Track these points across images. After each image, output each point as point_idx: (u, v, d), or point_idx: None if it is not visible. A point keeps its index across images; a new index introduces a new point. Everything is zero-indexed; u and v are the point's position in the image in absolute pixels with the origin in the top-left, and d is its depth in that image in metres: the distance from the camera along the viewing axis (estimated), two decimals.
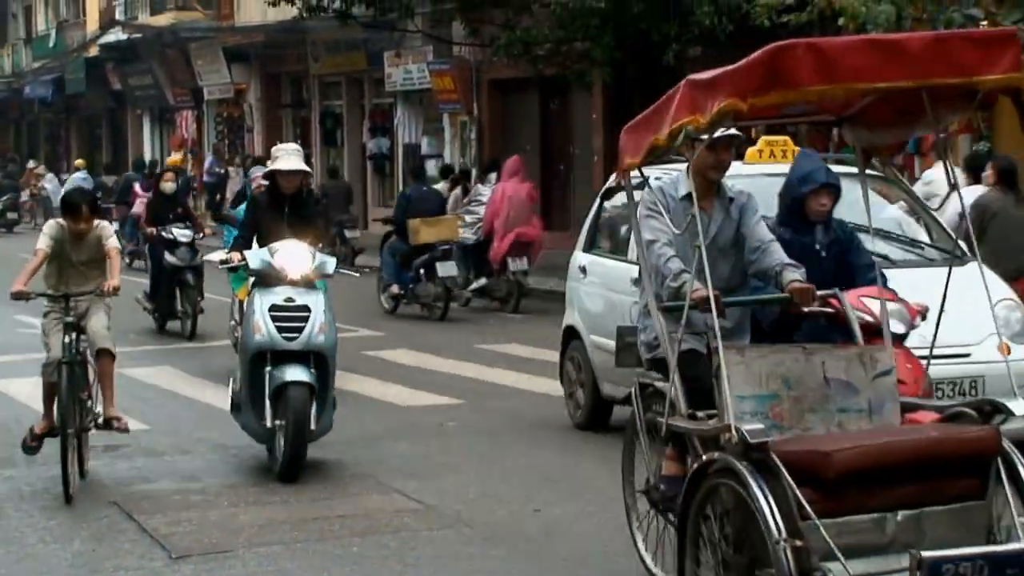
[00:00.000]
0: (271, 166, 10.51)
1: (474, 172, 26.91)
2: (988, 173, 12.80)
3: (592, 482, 9.34)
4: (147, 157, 44.25)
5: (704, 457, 6.00)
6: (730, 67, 5.90)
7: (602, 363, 10.44)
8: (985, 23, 14.89)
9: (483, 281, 19.87)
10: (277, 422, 9.44)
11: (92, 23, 47.52)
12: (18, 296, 9.19)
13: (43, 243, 9.52)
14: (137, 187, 27.59)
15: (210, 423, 11.68)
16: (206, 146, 41.60)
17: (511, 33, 21.10)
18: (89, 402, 9.51)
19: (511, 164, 20.54)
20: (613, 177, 9.91)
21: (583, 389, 11.20)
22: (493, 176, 21.64)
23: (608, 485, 9.25)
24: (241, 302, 12.68)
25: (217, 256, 11.13)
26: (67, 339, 9.24)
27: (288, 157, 10.30)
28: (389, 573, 7.58)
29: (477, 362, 14.75)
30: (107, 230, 9.65)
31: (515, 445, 10.61)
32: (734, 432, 5.66)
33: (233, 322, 14.00)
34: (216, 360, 14.83)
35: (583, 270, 11.54)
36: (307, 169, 10.59)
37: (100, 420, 9.52)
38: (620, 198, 10.32)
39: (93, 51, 46.15)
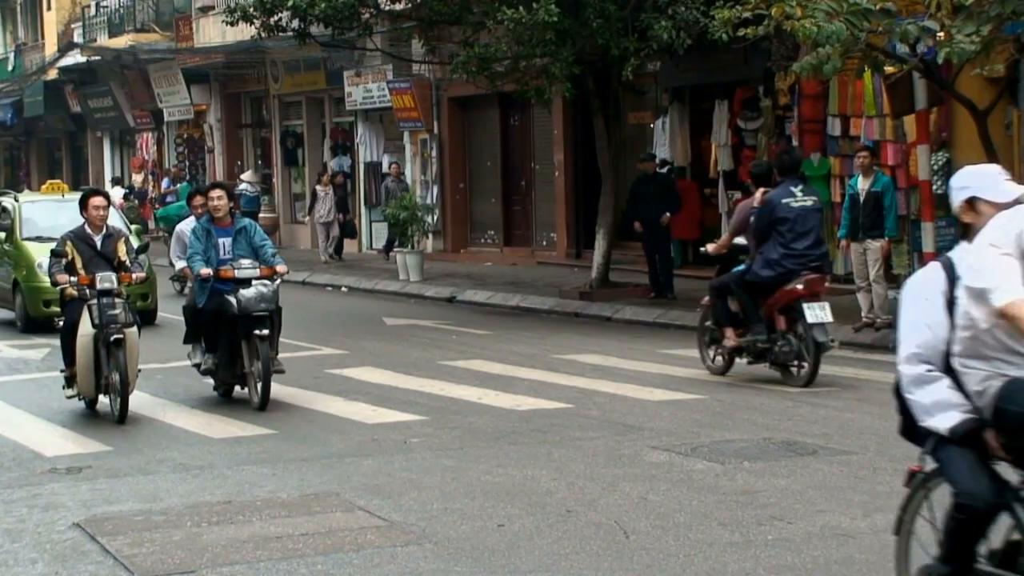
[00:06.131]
0: None
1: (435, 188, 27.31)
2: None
3: (553, 495, 9.38)
4: (107, 179, 44.15)
5: None
6: None
7: None
8: (941, 35, 14.93)
9: None
10: None
11: (51, 46, 47.37)
12: None
13: None
14: None
15: (171, 443, 11.66)
16: (167, 167, 41.54)
17: (469, 50, 21.14)
18: None
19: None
20: None
21: None
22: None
23: (568, 497, 9.31)
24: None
25: None
26: None
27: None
28: None
29: (441, 379, 14.75)
30: None
31: (478, 461, 10.63)
32: None
33: None
34: (176, 380, 14.81)
35: None
36: None
37: None
38: None
39: (52, 74, 46.00)
